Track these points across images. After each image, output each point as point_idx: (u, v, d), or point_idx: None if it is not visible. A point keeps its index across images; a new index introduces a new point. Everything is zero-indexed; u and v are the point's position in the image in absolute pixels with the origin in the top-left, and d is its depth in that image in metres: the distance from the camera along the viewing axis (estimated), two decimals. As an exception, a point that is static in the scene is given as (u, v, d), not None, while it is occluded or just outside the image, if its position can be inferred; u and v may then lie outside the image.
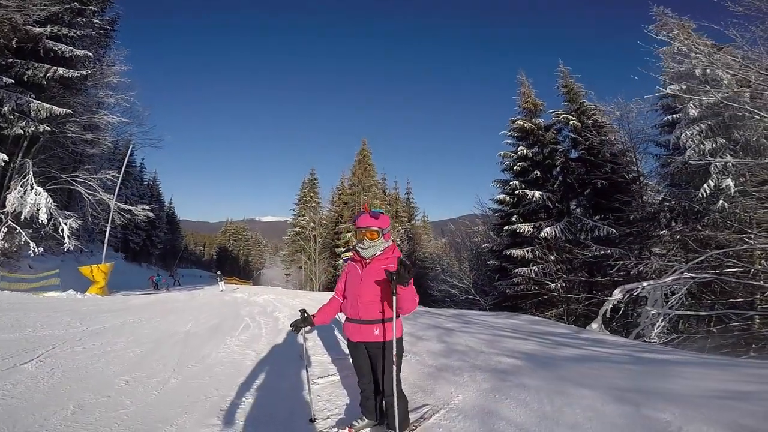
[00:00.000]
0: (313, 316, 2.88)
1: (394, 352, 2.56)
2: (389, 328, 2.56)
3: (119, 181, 18.77)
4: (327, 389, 3.98)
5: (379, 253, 2.63)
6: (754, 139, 11.29)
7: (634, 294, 9.15)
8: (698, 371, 3.70)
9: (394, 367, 2.57)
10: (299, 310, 3.00)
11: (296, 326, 2.89)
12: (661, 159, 16.31)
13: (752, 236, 10.48)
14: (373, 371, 2.72)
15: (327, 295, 15.06)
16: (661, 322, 8.58)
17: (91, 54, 16.87)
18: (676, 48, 12.50)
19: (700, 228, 11.95)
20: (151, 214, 20.07)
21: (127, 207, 18.94)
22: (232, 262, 77.94)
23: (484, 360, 4.44)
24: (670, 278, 8.77)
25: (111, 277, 17.19)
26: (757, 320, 9.93)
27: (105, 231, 18.62)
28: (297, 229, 36.68)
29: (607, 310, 8.85)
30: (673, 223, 14.29)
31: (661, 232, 13.58)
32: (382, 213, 2.70)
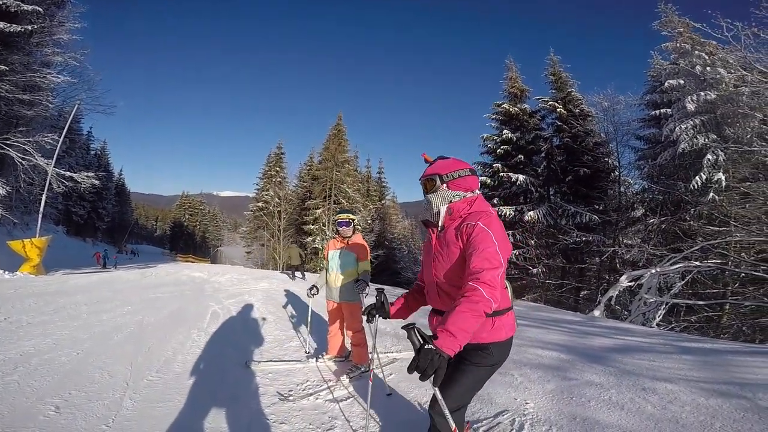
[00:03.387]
0: (392, 305, 2.12)
1: (486, 363, 1.71)
2: (485, 325, 1.68)
3: (59, 145, 16.45)
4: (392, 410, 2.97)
5: (443, 210, 1.81)
6: (747, 136, 11.35)
7: (640, 280, 8.79)
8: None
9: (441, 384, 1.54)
10: (376, 289, 2.25)
11: (370, 313, 2.18)
12: (641, 152, 16.61)
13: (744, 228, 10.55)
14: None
15: (301, 279, 13.91)
16: (663, 309, 8.59)
17: (41, 9, 14.88)
18: (679, 44, 12.64)
19: (688, 218, 11.93)
20: (96, 182, 17.81)
21: (68, 174, 16.69)
22: (187, 239, 74.22)
23: (519, 354, 4.04)
24: (677, 266, 8.54)
25: (48, 253, 15.10)
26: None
27: (41, 201, 16.27)
28: (260, 204, 34.71)
29: (612, 296, 8.49)
30: (651, 214, 14.53)
31: (650, 221, 13.57)
32: (445, 158, 1.91)
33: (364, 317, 2.24)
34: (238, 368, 3.82)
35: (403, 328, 1.48)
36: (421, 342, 1.38)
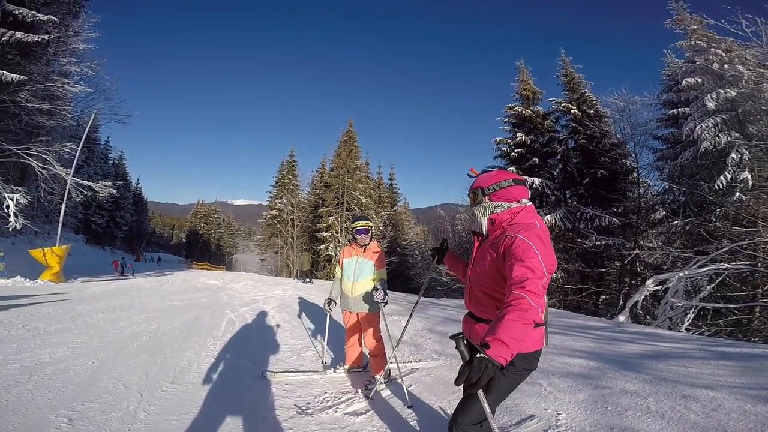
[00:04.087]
0: (450, 254, 2.44)
1: (516, 369, 1.71)
2: None
3: (77, 154, 16.88)
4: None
5: (484, 221, 1.87)
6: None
7: (667, 284, 8.47)
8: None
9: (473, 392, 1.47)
10: (442, 238, 2.52)
11: (434, 253, 2.50)
12: (660, 152, 16.21)
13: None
14: None
15: (309, 284, 13.86)
16: (692, 312, 8.37)
17: (56, 19, 15.27)
18: (694, 42, 12.38)
19: (713, 219, 11.52)
20: (114, 191, 18.16)
21: (87, 183, 17.06)
22: (202, 247, 75.17)
23: (546, 363, 3.83)
24: (706, 269, 8.21)
25: (69, 260, 15.37)
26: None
27: (61, 210, 16.59)
28: (273, 212, 34.91)
29: (638, 301, 8.21)
30: (674, 216, 14.13)
31: (673, 223, 13.16)
32: (489, 170, 1.96)
33: (430, 254, 2.53)
34: (255, 379, 3.71)
35: (451, 337, 1.43)
36: (471, 352, 1.33)
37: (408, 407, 3.05)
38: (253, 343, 5.12)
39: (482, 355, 1.29)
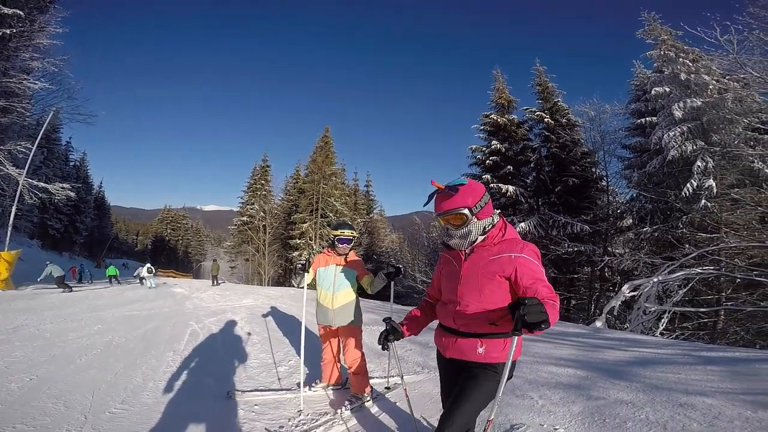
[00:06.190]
0: (402, 325, 2.11)
1: (504, 379, 1.65)
2: (497, 345, 1.74)
3: (32, 155, 15.71)
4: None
5: (480, 238, 1.77)
6: (734, 142, 11.43)
7: (641, 289, 8.57)
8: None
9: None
10: (384, 320, 2.15)
11: (384, 342, 2.08)
12: (628, 160, 16.72)
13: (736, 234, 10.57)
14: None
15: (280, 291, 13.41)
16: (666, 317, 8.53)
17: (22, 14, 14.33)
18: (663, 52, 12.79)
19: (680, 226, 11.86)
20: (72, 194, 17.03)
21: (41, 185, 15.91)
22: (168, 253, 72.27)
23: (533, 373, 3.72)
24: (679, 274, 8.39)
25: (21, 267, 14.25)
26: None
27: (11, 212, 15.41)
28: (245, 218, 34.00)
29: (614, 307, 8.24)
30: (641, 223, 14.55)
31: (642, 230, 13.50)
32: (463, 183, 1.75)
33: (380, 346, 2.09)
34: (219, 399, 3.32)
35: (520, 299, 1.44)
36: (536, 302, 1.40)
37: (395, 428, 2.77)
38: (219, 358, 4.70)
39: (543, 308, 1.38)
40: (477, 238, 1.77)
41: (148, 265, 19.30)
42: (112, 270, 20.45)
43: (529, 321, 1.35)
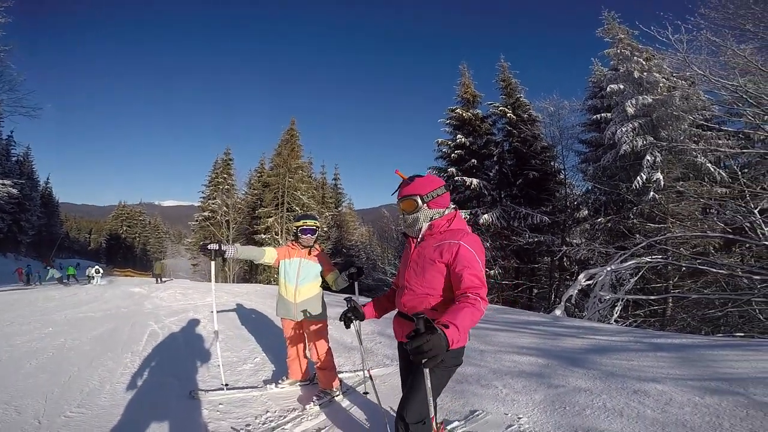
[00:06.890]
0: (364, 306, 2.22)
1: (447, 365, 1.79)
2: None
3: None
4: None
5: (424, 227, 1.91)
6: (680, 138, 12.18)
7: (596, 278, 8.99)
8: (739, 353, 3.60)
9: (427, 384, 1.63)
10: (345, 299, 2.29)
11: (347, 318, 2.14)
12: (584, 155, 17.51)
13: (681, 225, 11.29)
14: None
15: (246, 288, 13.13)
16: (620, 305, 8.98)
17: None
18: (619, 50, 13.38)
19: (631, 217, 12.57)
20: (13, 191, 15.97)
21: (-23, 181, 14.74)
22: (125, 252, 68.88)
23: (497, 363, 3.84)
24: (631, 263, 8.86)
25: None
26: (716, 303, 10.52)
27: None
28: (206, 214, 32.84)
29: (571, 295, 8.61)
30: (596, 214, 15.33)
31: (597, 220, 14.20)
32: (421, 175, 1.96)
33: (342, 322, 2.17)
34: (182, 399, 3.23)
35: (413, 315, 1.54)
36: (429, 328, 1.40)
37: (365, 420, 2.80)
38: (181, 358, 4.55)
39: (441, 333, 1.38)
40: (422, 226, 1.90)
41: (96, 266, 22.77)
42: (71, 270, 22.55)
43: (408, 348, 1.36)
